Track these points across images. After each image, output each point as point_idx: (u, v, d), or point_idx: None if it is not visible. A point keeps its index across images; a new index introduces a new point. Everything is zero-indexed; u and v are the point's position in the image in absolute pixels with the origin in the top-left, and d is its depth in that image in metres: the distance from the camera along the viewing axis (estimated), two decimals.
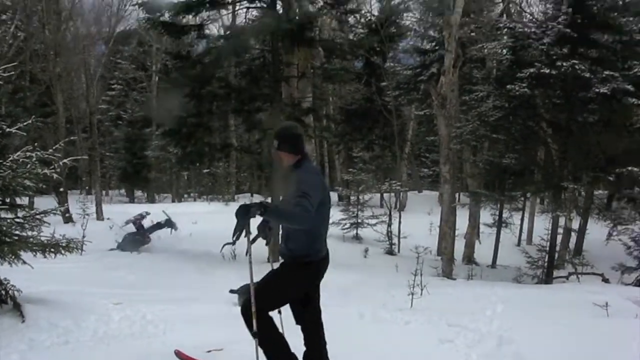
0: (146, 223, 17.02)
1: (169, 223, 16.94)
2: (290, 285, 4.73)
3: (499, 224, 20.23)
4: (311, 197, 4.33)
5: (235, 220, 4.27)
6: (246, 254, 4.37)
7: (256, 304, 4.49)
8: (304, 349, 5.00)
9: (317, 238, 4.79)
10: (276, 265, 4.99)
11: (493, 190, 18.76)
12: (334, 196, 29.66)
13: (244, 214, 4.13)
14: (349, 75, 20.40)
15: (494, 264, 19.61)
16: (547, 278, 15.78)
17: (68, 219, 22.27)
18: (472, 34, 21.85)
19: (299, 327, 5.01)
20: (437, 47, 24.66)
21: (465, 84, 20.29)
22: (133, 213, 18.33)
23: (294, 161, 4.80)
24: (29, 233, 7.26)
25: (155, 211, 18.16)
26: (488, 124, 17.07)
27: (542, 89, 15.77)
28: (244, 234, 4.24)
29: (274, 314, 4.82)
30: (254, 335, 4.49)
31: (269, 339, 4.64)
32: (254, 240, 4.66)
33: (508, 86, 15.04)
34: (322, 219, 4.79)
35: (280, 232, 4.88)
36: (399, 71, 26.53)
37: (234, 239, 4.20)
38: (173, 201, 40.21)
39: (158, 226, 17.04)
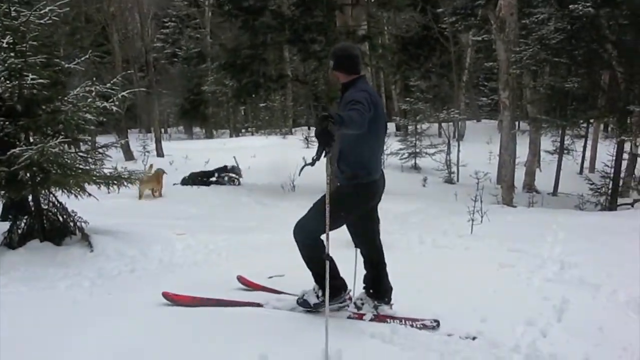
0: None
1: (235, 170, 17.03)
2: (343, 207, 4.56)
3: (561, 151, 19.75)
4: (363, 104, 4.23)
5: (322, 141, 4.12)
6: (327, 174, 4.23)
7: (311, 229, 4.52)
8: (364, 271, 5.00)
9: (370, 159, 4.66)
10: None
11: (554, 116, 18.30)
12: (391, 126, 29.45)
13: (326, 134, 3.97)
14: (404, 1, 19.75)
15: (555, 192, 19.23)
16: (610, 205, 15.44)
17: (129, 156, 22.68)
18: None
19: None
20: None
21: (524, 6, 19.55)
22: (191, 149, 18.55)
23: (347, 80, 4.69)
24: (92, 167, 7.40)
25: (215, 146, 18.31)
26: (549, 47, 16.55)
27: (608, 9, 15.07)
28: (323, 153, 4.11)
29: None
30: (309, 256, 4.62)
31: (320, 261, 4.49)
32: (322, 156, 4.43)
33: (571, 6, 14.47)
34: (376, 138, 4.65)
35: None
36: None
37: (315, 159, 4.06)
38: (231, 136, 40.61)
39: (224, 170, 17.12)
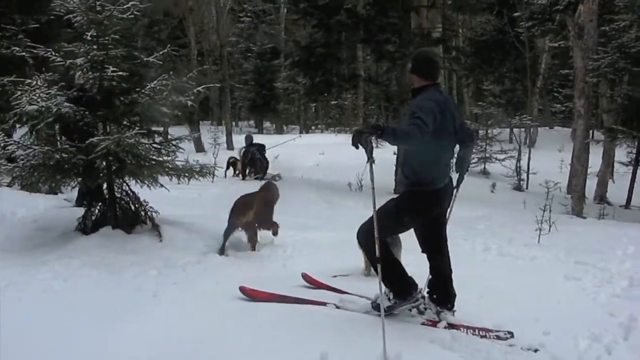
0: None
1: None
2: (406, 214, 4.66)
3: (636, 162, 19.04)
4: (423, 119, 4.22)
5: (357, 149, 4.20)
6: (371, 179, 4.31)
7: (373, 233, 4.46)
8: (430, 276, 5.00)
9: (435, 166, 4.67)
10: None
11: (631, 127, 17.82)
12: None
13: (358, 142, 4.08)
14: (480, 5, 19.44)
15: (627, 205, 18.59)
16: None
17: (200, 148, 23.06)
18: None
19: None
20: None
21: (605, 13, 19.04)
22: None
23: (419, 86, 4.72)
24: (166, 158, 7.56)
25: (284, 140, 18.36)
26: (629, 55, 16.12)
27: None
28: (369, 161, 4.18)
29: None
30: (374, 260, 4.52)
31: (386, 263, 4.56)
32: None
33: None
34: (442, 146, 4.64)
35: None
36: (533, 0, 25.33)
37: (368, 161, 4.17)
38: (301, 132, 40.77)
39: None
